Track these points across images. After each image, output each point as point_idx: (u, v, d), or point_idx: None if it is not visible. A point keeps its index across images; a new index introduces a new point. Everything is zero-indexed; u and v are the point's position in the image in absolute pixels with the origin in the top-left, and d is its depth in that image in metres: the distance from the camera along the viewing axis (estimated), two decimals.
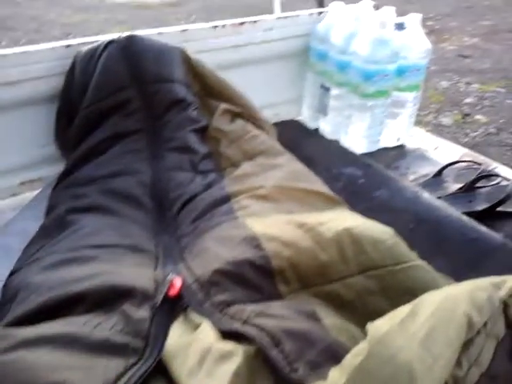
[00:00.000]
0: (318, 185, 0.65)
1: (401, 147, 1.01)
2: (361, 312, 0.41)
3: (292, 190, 0.60)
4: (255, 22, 0.95)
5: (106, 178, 0.64)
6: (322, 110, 1.05)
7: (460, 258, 0.63)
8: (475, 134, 2.25)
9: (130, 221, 0.58)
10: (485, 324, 0.29)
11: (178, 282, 0.44)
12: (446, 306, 0.30)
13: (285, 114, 1.11)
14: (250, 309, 0.39)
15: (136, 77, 0.74)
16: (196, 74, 0.80)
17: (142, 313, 0.42)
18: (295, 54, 1.05)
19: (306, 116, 1.12)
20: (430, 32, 3.78)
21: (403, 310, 0.31)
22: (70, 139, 0.76)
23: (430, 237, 0.67)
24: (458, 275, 0.63)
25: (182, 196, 0.61)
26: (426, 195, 0.75)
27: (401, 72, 0.92)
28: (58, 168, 0.75)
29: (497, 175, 0.83)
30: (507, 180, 0.82)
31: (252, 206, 0.55)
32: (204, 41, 0.91)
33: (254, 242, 0.46)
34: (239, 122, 0.76)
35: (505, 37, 3.89)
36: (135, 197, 0.61)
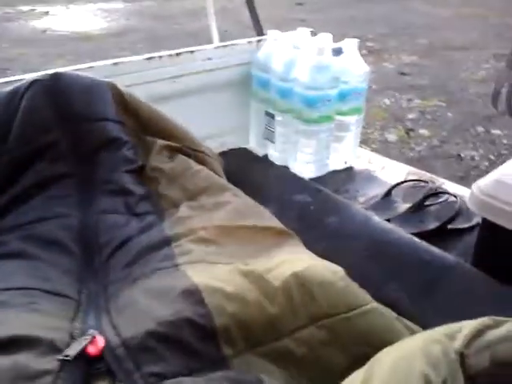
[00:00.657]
0: (267, 219, 0.62)
1: (349, 169, 1.02)
2: (314, 367, 0.38)
3: (237, 229, 0.57)
4: (193, 52, 0.94)
5: (29, 224, 0.58)
6: (268, 136, 1.04)
7: (415, 281, 0.62)
8: (420, 148, 2.33)
9: (51, 265, 0.52)
10: (444, 381, 0.27)
11: (100, 341, 0.39)
12: (401, 367, 0.28)
13: (232, 142, 1.09)
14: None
15: (63, 117, 0.68)
16: (129, 109, 0.74)
17: (44, 365, 0.37)
18: (237, 82, 1.04)
19: (253, 143, 1.10)
20: (370, 52, 3.96)
21: (357, 378, 0.29)
22: None
23: (383, 262, 0.66)
24: (415, 300, 0.62)
25: (113, 240, 0.56)
26: (377, 219, 0.74)
27: (342, 96, 0.92)
28: None
29: (444, 192, 0.84)
30: (454, 196, 0.83)
31: (194, 251, 0.51)
32: (139, 73, 0.87)
33: (194, 296, 0.41)
34: (179, 159, 0.72)
35: (441, 54, 4.13)
36: (60, 242, 0.55)
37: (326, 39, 0.95)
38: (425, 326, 0.58)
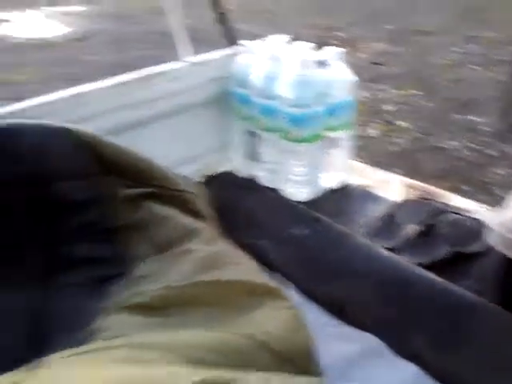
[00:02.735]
0: (241, 270, 0.56)
1: (343, 187, 0.94)
2: None
3: (203, 285, 0.51)
4: (160, 73, 0.84)
5: None
6: (253, 157, 0.95)
7: (437, 328, 0.56)
8: (401, 140, 2.29)
9: None
10: None
11: None
12: None
13: (215, 163, 1.01)
14: None
15: (17, 178, 0.60)
16: (95, 155, 0.66)
17: None
18: (213, 99, 0.95)
19: (237, 164, 1.02)
20: (341, 43, 3.90)
21: None
22: None
23: (398, 305, 0.60)
24: (440, 351, 0.55)
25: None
26: (383, 252, 0.68)
27: (331, 111, 0.85)
28: None
29: (451, 211, 0.78)
30: (462, 215, 0.77)
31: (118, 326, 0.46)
32: (104, 102, 0.78)
33: None
34: (147, 208, 0.64)
35: (410, 39, 4.11)
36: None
37: (306, 48, 0.87)
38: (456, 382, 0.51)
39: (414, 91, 2.89)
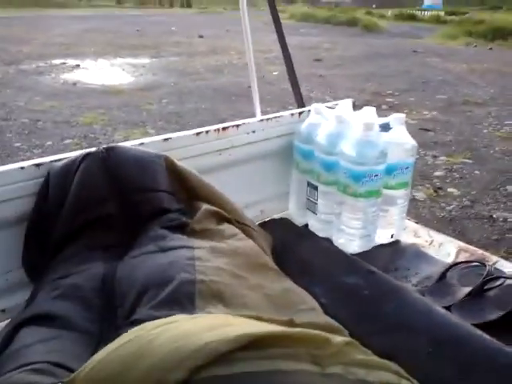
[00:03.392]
0: (306, 310, 0.59)
1: (395, 243, 0.97)
2: None
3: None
4: (238, 125, 0.94)
5: (60, 279, 0.62)
6: (310, 207, 1.01)
7: None
8: (450, 207, 2.28)
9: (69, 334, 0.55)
10: None
11: None
12: None
13: (270, 210, 1.07)
14: None
15: (116, 188, 0.71)
16: (181, 180, 0.77)
17: None
18: (279, 152, 1.03)
19: (293, 212, 1.08)
20: (390, 108, 4.00)
21: None
22: (41, 258, 0.70)
23: (452, 363, 0.60)
24: None
25: (132, 288, 0.58)
26: (439, 309, 0.69)
27: (390, 171, 0.90)
28: (23, 297, 0.67)
29: (503, 277, 0.79)
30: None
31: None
32: (187, 148, 0.87)
33: None
34: (227, 225, 0.73)
35: (461, 109, 4.15)
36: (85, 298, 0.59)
37: (370, 113, 0.94)
38: None
39: (464, 159, 2.89)
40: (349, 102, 1.01)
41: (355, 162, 0.86)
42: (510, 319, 0.72)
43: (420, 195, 2.41)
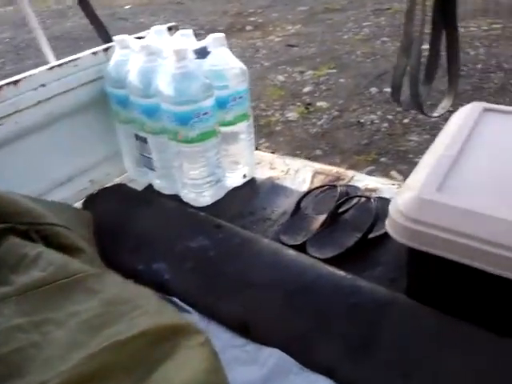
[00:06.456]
0: (144, 313, 0.46)
1: (250, 183, 0.88)
2: None
3: (102, 354, 0.40)
4: (17, 81, 0.71)
5: None
6: (146, 163, 0.86)
7: (347, 335, 0.50)
8: (321, 121, 2.27)
9: None
10: None
11: None
12: None
13: (103, 178, 0.90)
14: None
15: None
16: None
17: None
18: (91, 104, 0.84)
19: (132, 174, 0.92)
20: (256, 27, 3.84)
21: None
22: None
23: (305, 314, 0.54)
24: (354, 360, 0.49)
25: None
26: (292, 254, 0.61)
27: (222, 105, 0.77)
28: None
29: (356, 196, 0.73)
30: (367, 197, 0.72)
31: None
32: None
33: None
34: (9, 243, 0.53)
35: (321, 18, 4.12)
36: None
37: (186, 37, 0.78)
38: None
39: (329, 70, 2.90)
40: (163, 28, 0.83)
41: (175, 101, 0.72)
42: (366, 241, 0.68)
43: (292, 115, 2.37)
